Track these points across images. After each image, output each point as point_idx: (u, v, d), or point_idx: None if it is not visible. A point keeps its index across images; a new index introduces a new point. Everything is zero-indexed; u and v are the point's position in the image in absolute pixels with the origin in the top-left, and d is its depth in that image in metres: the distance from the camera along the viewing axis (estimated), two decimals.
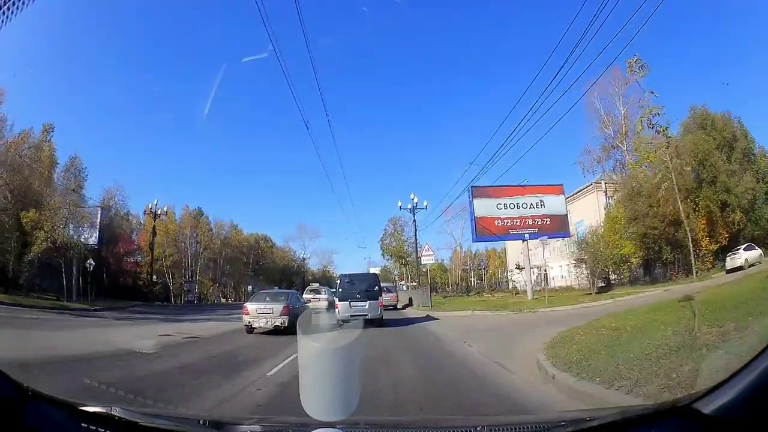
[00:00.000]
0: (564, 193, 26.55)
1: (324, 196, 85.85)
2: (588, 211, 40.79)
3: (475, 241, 27.24)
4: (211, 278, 51.96)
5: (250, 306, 11.62)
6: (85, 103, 56.73)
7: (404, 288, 47.54)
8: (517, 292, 38.74)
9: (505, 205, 24.83)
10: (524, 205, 25.01)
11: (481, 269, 68.89)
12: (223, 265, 54.11)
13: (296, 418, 1.97)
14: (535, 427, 1.75)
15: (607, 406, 2.94)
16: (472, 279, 65.45)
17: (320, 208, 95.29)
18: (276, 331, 10.94)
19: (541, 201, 25.24)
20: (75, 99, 55.09)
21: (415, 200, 29.32)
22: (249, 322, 11.24)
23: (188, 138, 74.15)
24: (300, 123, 37.35)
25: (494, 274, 66.36)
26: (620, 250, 24.87)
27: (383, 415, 3.69)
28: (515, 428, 1.69)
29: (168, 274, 45.18)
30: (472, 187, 24.16)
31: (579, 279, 29.40)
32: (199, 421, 1.89)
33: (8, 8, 2.03)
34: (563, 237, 26.83)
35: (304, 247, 71.90)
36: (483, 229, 24.67)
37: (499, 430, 1.73)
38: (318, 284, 25.80)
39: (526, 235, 24.97)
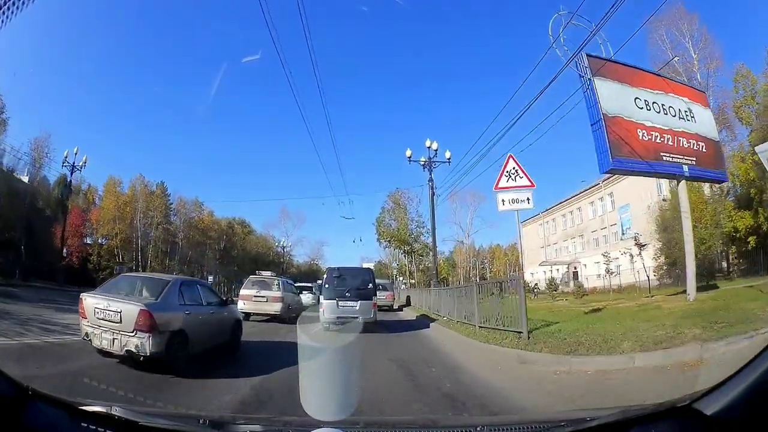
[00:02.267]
0: (710, 107, 16.07)
1: (314, 178, 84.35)
2: (636, 193, 34.09)
3: (609, 168, 12.65)
4: (165, 264, 45.78)
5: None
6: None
7: (403, 286, 42.23)
8: (538, 292, 34.67)
9: (647, 102, 13.21)
10: (671, 111, 13.58)
11: (483, 267, 65.95)
12: (182, 249, 48.34)
13: (296, 417, 1.97)
14: (535, 427, 1.76)
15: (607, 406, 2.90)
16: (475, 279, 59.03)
17: (308, 190, 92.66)
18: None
19: (690, 110, 13.98)
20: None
21: (433, 146, 20.97)
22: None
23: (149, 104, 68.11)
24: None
25: (497, 273, 64.09)
26: (733, 223, 19.20)
27: (383, 414, 3.65)
28: (515, 428, 1.70)
29: (118, 256, 41.74)
30: (588, 55, 12.28)
31: (639, 274, 24.50)
32: (199, 420, 1.90)
33: (8, 8, 2.02)
34: (719, 180, 16.37)
35: (288, 235, 64.20)
36: (621, 143, 12.31)
37: (499, 429, 1.74)
38: (270, 273, 17.10)
39: (685, 169, 13.36)
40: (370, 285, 12.85)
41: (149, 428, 1.60)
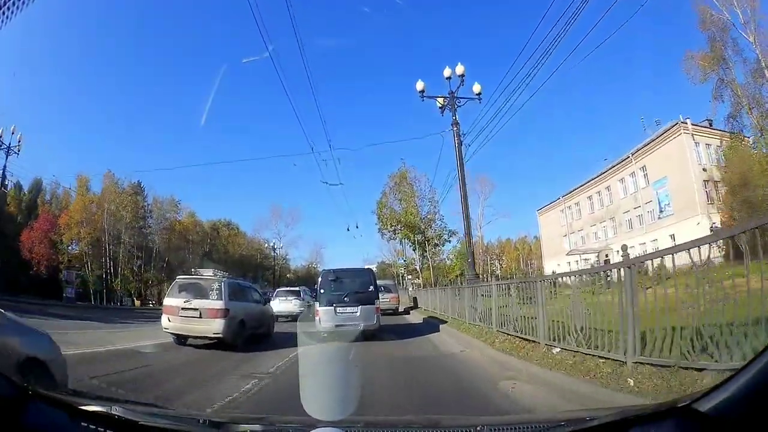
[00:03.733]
0: None
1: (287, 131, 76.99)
2: (671, 165, 31.52)
3: None
4: (139, 270, 43.05)
5: None
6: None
7: (410, 287, 36.34)
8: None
9: None
10: None
11: (492, 263, 63.47)
12: (159, 254, 45.69)
13: (296, 417, 1.97)
14: (535, 426, 1.78)
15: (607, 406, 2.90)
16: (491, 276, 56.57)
17: (304, 187, 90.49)
18: None
19: None
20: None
21: (458, 70, 14.65)
22: None
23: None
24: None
25: (508, 269, 62.26)
26: None
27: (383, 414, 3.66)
28: (515, 428, 1.71)
29: (87, 264, 39.02)
30: None
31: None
32: (199, 420, 1.91)
33: (8, 8, 2.03)
34: None
35: (280, 236, 60.89)
36: None
37: (499, 429, 1.74)
38: (213, 271, 11.75)
39: None
40: (372, 287, 11.72)
41: (149, 428, 1.62)
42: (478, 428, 1.87)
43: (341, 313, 11.11)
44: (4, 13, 2.28)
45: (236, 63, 71.76)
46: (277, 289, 22.64)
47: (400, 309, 22.67)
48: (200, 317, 9.37)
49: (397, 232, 36.58)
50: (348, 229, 51.02)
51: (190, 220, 51.02)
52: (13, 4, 2.32)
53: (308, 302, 20.91)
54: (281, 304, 19.54)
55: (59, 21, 52.27)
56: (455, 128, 14.93)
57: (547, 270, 41.76)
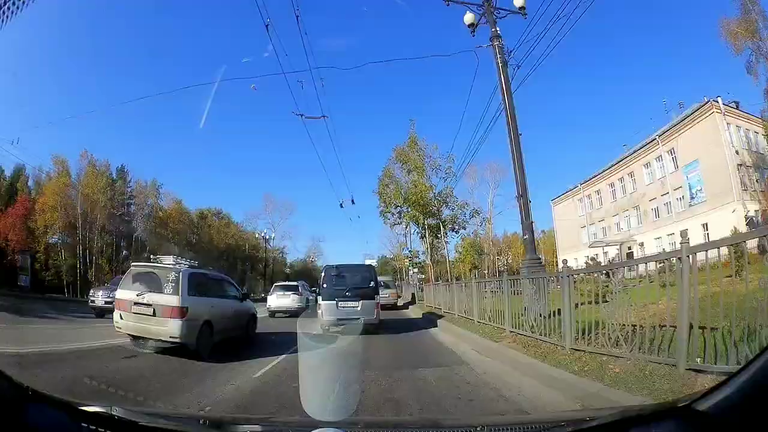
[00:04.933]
0: None
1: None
2: (703, 147, 28.95)
3: None
4: (116, 260, 40.21)
5: None
6: None
7: (416, 282, 31.92)
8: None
9: None
10: None
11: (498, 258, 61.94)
12: (135, 244, 42.95)
13: (296, 417, 1.98)
14: (535, 426, 1.79)
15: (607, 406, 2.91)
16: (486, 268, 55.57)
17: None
18: None
19: None
20: None
21: None
22: None
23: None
24: None
25: (515, 264, 60.44)
26: None
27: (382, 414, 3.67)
28: (515, 428, 1.72)
29: (61, 253, 36.93)
30: None
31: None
32: (199, 420, 1.92)
33: (8, 8, 2.03)
34: None
35: (274, 226, 57.21)
36: None
37: (499, 429, 1.74)
38: (173, 258, 9.49)
39: None
40: (372, 283, 12.53)
41: (149, 428, 1.63)
42: (478, 428, 1.88)
43: (343, 307, 11.84)
44: (4, 12, 2.28)
45: None
46: (275, 284, 22.49)
47: (399, 303, 23.70)
48: (154, 315, 7.74)
49: (402, 214, 29.40)
50: (341, 206, 38.67)
51: (174, 206, 48.04)
52: (13, 3, 2.32)
53: (307, 297, 21.06)
54: (279, 300, 19.34)
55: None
56: (496, 44, 10.76)
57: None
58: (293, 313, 18.36)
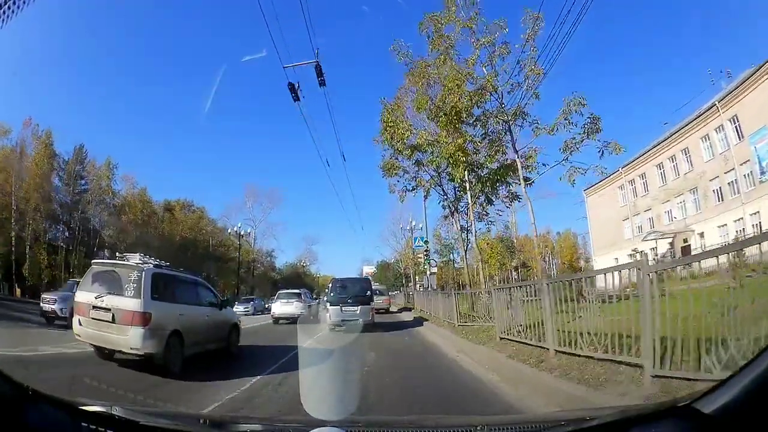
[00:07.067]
0: None
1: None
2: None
3: None
4: (50, 254, 34.80)
5: None
6: None
7: (422, 289, 27.98)
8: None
9: None
10: None
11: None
12: (81, 235, 37.59)
13: (296, 417, 1.98)
14: (535, 426, 1.79)
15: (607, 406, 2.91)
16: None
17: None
18: None
19: None
20: None
21: None
22: None
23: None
24: None
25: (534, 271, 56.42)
26: None
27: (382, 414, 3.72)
28: (515, 428, 1.73)
29: None
30: None
31: None
32: (199, 420, 1.93)
33: (8, 8, 2.02)
34: None
35: (255, 223, 51.58)
36: None
37: (499, 429, 1.75)
38: (140, 257, 8.10)
39: None
40: (369, 292, 16.81)
41: (149, 428, 1.64)
42: (478, 428, 1.91)
43: (345, 310, 15.34)
44: (4, 12, 2.28)
45: None
46: (279, 291, 25.52)
47: (392, 309, 28.58)
48: (113, 321, 6.77)
49: (427, 162, 16.89)
50: (328, 164, 32.38)
51: (135, 193, 41.75)
52: (14, 3, 2.32)
53: (309, 304, 24.01)
54: (283, 307, 21.24)
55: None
56: None
57: (603, 263, 32.21)
58: (295, 320, 19.80)
